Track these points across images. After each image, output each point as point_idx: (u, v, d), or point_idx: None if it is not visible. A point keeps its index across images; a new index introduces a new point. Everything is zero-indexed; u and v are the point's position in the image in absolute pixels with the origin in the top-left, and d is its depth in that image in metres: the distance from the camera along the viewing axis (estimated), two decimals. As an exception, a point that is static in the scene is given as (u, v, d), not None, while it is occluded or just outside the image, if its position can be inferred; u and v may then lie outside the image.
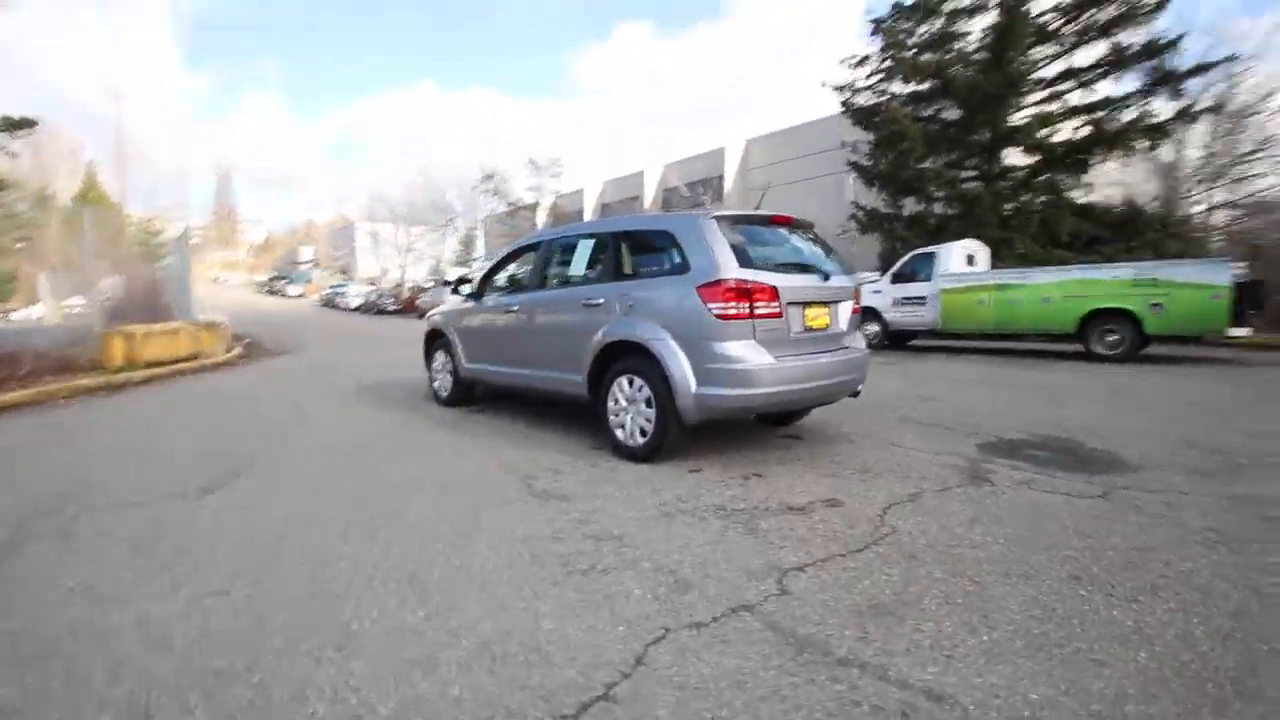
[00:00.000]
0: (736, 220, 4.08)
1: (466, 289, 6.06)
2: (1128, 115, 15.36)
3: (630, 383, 4.17)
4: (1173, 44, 15.54)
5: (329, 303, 38.65)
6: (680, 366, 3.86)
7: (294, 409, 6.40)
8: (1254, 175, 17.84)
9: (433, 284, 34.66)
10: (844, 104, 20.09)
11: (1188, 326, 9.25)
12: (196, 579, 2.59)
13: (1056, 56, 16.87)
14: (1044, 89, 17.06)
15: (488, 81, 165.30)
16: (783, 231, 4.33)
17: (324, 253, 70.36)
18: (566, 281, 4.98)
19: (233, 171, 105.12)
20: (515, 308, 5.20)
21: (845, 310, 4.39)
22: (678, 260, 4.03)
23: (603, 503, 3.40)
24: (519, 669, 1.93)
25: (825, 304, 4.20)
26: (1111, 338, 9.76)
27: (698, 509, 3.27)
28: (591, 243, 4.72)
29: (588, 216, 46.72)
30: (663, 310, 3.99)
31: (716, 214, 4.00)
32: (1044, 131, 16.44)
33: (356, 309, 34.86)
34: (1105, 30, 15.93)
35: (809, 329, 4.06)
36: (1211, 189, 18.22)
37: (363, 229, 51.98)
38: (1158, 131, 15.16)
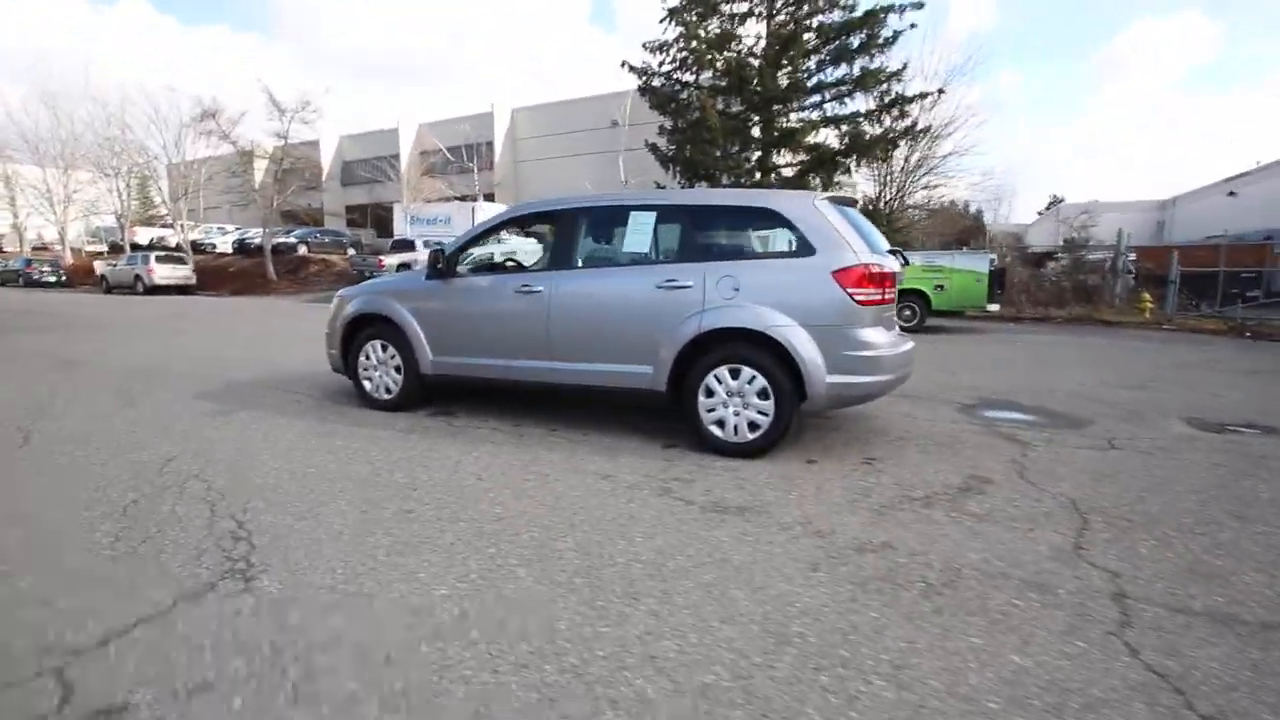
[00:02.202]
0: (834, 201, 3.92)
1: (415, 260, 4.79)
2: (876, 129, 18.66)
3: (734, 374, 3.77)
4: (897, 74, 19.33)
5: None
6: (813, 354, 3.61)
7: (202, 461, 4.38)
8: (937, 185, 23.31)
9: (104, 244, 26.58)
10: (641, 87, 20.64)
11: (960, 303, 11.77)
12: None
13: (818, 71, 19.67)
14: (809, 98, 19.80)
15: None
16: (853, 211, 4.30)
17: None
18: (613, 260, 4.26)
19: None
20: (534, 288, 4.27)
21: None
22: (794, 242, 3.73)
23: (802, 510, 3.04)
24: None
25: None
26: (906, 313, 11.91)
27: (897, 502, 3.13)
28: (652, 216, 4.09)
29: (325, 175, 40.64)
30: (786, 295, 3.66)
31: (826, 195, 3.81)
32: (812, 137, 19.17)
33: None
34: (854, 54, 19.03)
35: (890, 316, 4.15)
36: (913, 193, 23.28)
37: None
38: (893, 145, 18.75)
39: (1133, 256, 17.45)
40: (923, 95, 18.75)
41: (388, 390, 4.95)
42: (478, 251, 4.74)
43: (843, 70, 19.44)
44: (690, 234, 3.95)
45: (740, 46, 19.61)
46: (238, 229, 35.16)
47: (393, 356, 4.88)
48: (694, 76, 19.85)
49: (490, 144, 37.44)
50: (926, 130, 19.91)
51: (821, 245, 3.65)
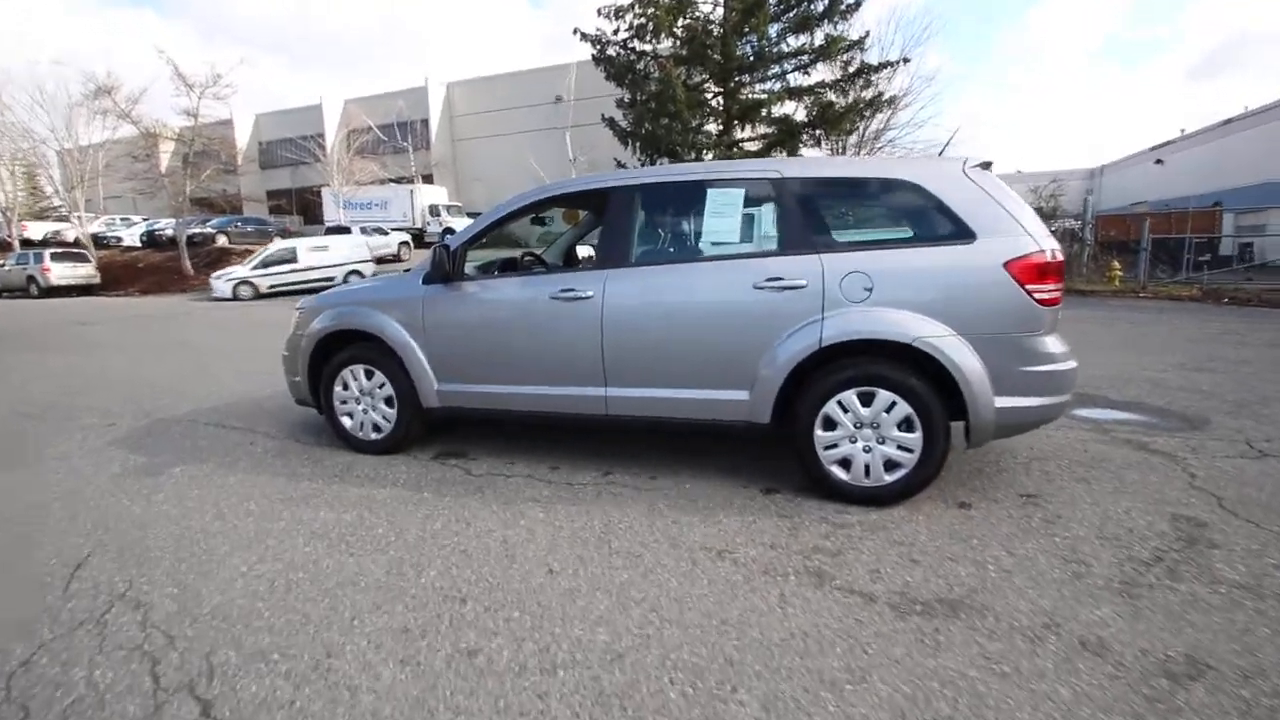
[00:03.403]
0: (985, 167, 3.04)
1: (407, 262, 3.66)
2: (842, 100, 18.01)
3: (866, 399, 2.88)
4: (859, 42, 18.73)
5: None
6: (977, 372, 2.75)
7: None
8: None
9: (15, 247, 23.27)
10: (596, 57, 19.30)
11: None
12: None
13: (779, 40, 18.82)
14: (772, 68, 18.96)
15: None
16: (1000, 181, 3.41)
17: None
18: (688, 253, 3.28)
19: None
20: (581, 293, 3.23)
21: None
22: (942, 223, 2.83)
23: (1027, 600, 2.18)
24: None
25: None
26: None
27: (1133, 575, 2.32)
28: (739, 194, 3.10)
29: (242, 157, 37.28)
30: (938, 295, 2.77)
31: (977, 161, 2.91)
32: (777, 108, 18.38)
33: None
34: (818, 21, 18.27)
35: None
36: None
37: None
38: (861, 116, 18.19)
39: (1092, 224, 17.60)
40: (887, 64, 18.21)
41: (376, 429, 3.82)
42: (482, 251, 3.64)
43: (804, 40, 18.68)
44: (797, 217, 2.98)
45: (699, 14, 18.52)
46: (145, 219, 31.71)
47: (382, 386, 3.74)
48: (652, 45, 18.66)
49: (425, 121, 35.17)
50: (892, 101, 19.45)
51: (984, 227, 2.77)
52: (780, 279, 2.92)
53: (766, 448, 3.71)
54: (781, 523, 2.82)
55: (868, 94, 18.06)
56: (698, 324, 3.07)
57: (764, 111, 18.44)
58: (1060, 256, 2.76)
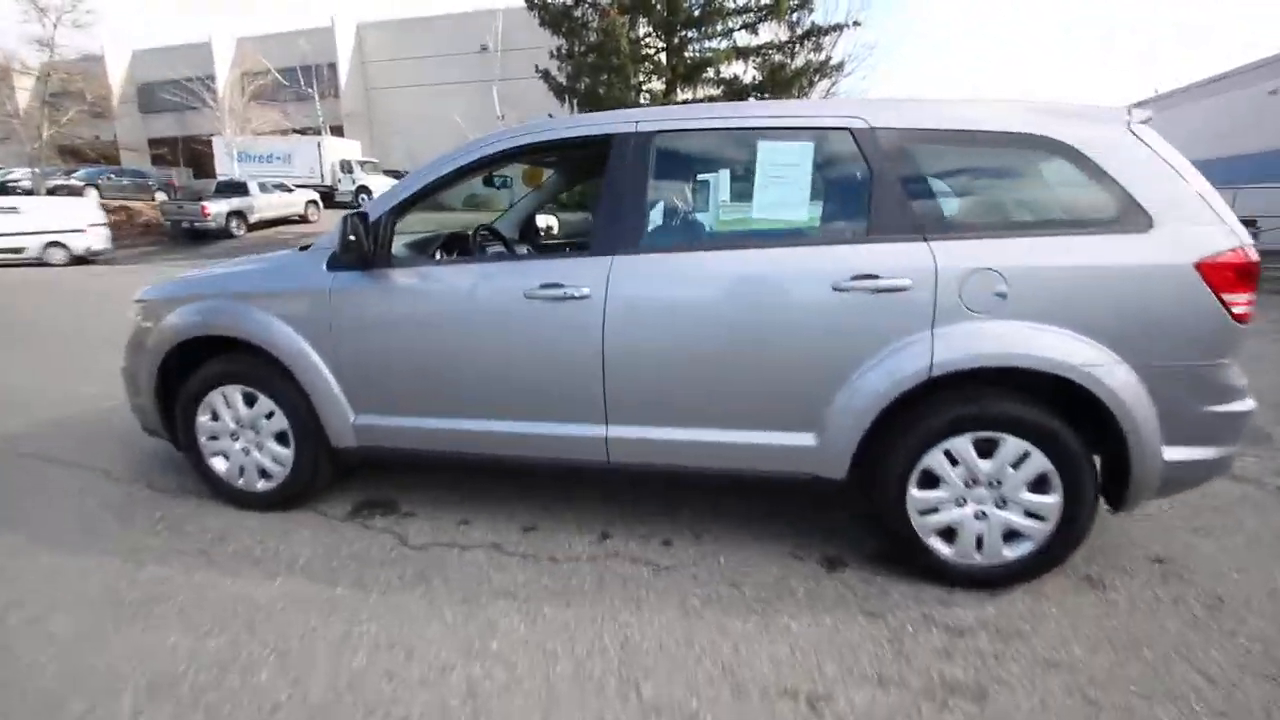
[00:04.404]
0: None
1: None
2: (792, 61, 17.18)
3: (985, 449, 2.04)
4: (805, 3, 17.88)
5: None
6: (1147, 414, 1.95)
7: None
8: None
9: None
10: (529, 2, 17.51)
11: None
12: None
13: (725, -4, 17.66)
14: (718, 24, 17.83)
15: None
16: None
17: None
18: (735, 233, 2.29)
19: None
20: (572, 289, 2.19)
21: None
22: (1104, 201, 1.97)
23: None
24: None
25: None
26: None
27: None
28: (807, 149, 2.13)
29: (117, 100, 32.65)
30: (1098, 304, 1.93)
31: (1143, 115, 2.06)
32: (726, 69, 17.35)
33: None
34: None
35: None
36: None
37: None
38: (811, 81, 17.45)
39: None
40: (838, 27, 17.49)
41: (265, 475, 2.67)
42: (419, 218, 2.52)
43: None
44: (894, 185, 2.05)
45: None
46: (-5, 168, 27.17)
47: (270, 416, 2.59)
48: (593, -8, 17.08)
49: (333, 66, 31.80)
50: (840, 67, 18.80)
51: (1163, 210, 1.94)
52: (873, 276, 2.00)
53: (796, 497, 2.84)
54: (874, 629, 1.97)
55: (818, 57, 17.33)
56: (745, 339, 2.12)
57: (711, 71, 17.37)
58: (1256, 254, 1.97)
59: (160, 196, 23.97)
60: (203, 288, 2.67)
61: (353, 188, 23.79)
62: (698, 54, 17.48)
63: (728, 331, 2.13)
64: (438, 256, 2.69)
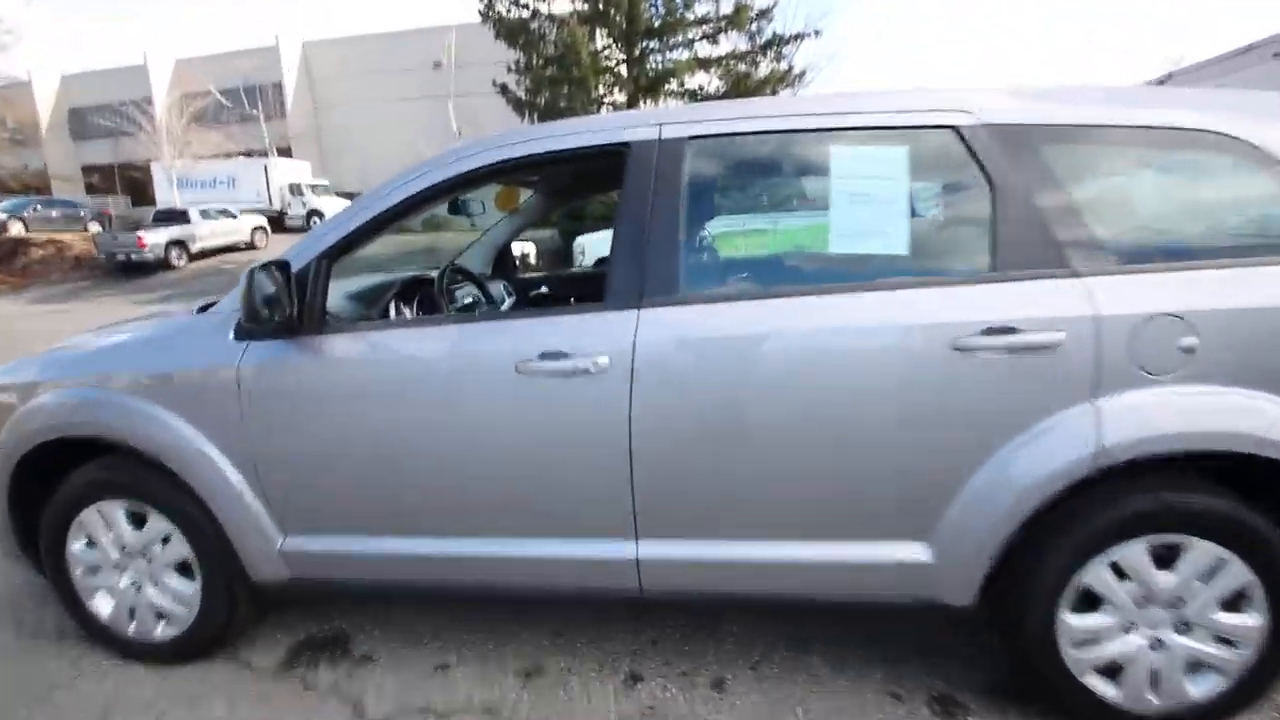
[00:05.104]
0: None
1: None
2: (755, 72, 16.94)
3: (1163, 558, 1.48)
4: (766, 12, 17.72)
5: None
6: (1389, 504, 1.43)
7: None
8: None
9: None
10: (483, 12, 16.91)
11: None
12: None
13: (686, 6, 17.38)
14: (678, 34, 17.51)
15: None
16: None
17: None
18: (812, 272, 1.71)
19: None
20: (582, 359, 1.56)
21: None
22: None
23: None
24: None
25: None
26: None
27: None
28: (898, 155, 1.55)
29: (45, 126, 30.84)
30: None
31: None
32: (690, 80, 17.02)
33: None
34: (726, -14, 16.99)
35: None
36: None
37: None
38: (776, 92, 17.23)
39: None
40: (799, 36, 17.34)
41: (162, 618, 1.95)
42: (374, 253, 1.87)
43: (710, 7, 17.41)
44: (1022, 202, 1.48)
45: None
46: (-96, 202, 25.12)
47: (167, 541, 1.88)
48: (548, 1, 16.59)
49: (279, 85, 30.57)
50: (802, 76, 18.67)
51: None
52: (1010, 329, 1.43)
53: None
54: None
55: (781, 66, 17.13)
56: (827, 419, 1.53)
57: (675, 83, 17.03)
58: None
59: (94, 228, 22.45)
60: (66, 370, 1.95)
61: (304, 211, 22.68)
62: (659, 65, 17.14)
63: (802, 409, 1.54)
64: (392, 312, 2.03)
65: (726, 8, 17.42)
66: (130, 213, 26.43)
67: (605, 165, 1.74)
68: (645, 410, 1.55)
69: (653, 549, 1.65)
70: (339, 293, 1.96)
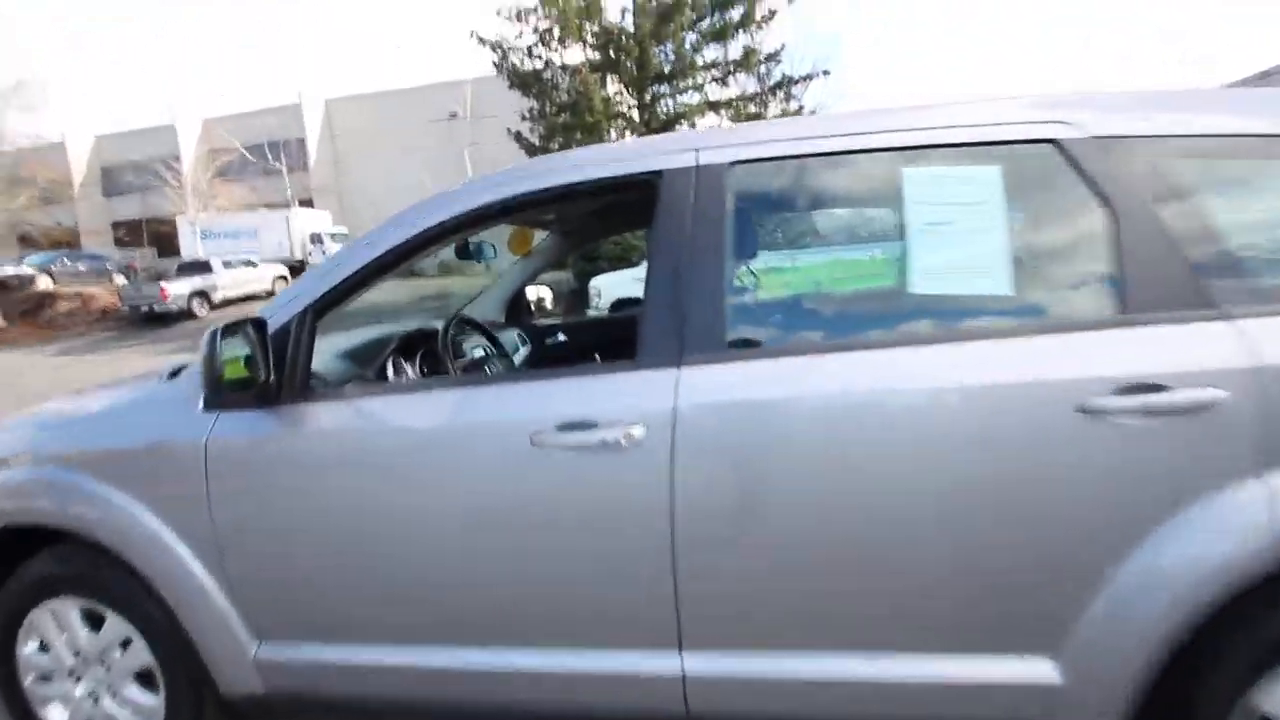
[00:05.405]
0: None
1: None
2: (766, 113, 17.06)
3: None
4: (775, 55, 17.97)
5: None
6: None
7: None
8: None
9: None
10: (497, 64, 17.31)
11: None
12: None
13: (694, 51, 17.68)
14: (689, 79, 17.77)
15: None
16: None
17: None
18: (889, 316, 1.44)
19: None
20: (612, 431, 1.29)
21: None
22: None
23: None
24: None
25: None
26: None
27: None
28: (991, 176, 1.29)
29: (78, 184, 31.95)
30: None
31: None
32: (701, 122, 17.17)
33: None
34: (736, 29, 17.30)
35: None
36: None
37: None
38: (787, 129, 17.37)
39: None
40: (807, 78, 17.52)
41: (122, 735, 1.66)
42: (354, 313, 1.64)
43: (720, 51, 17.72)
44: (1149, 229, 1.21)
45: (611, 21, 17.06)
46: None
47: (127, 645, 1.61)
48: (559, 51, 16.95)
49: (302, 141, 31.51)
50: (813, 114, 18.79)
51: None
52: (1153, 385, 1.14)
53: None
54: None
55: (791, 106, 17.25)
56: (918, 504, 1.23)
57: (685, 125, 17.18)
58: None
59: (120, 280, 22.91)
60: (13, 445, 1.71)
61: (323, 259, 22.99)
62: (670, 109, 17.34)
63: (886, 494, 1.24)
64: (389, 373, 1.78)
65: (735, 52, 17.73)
66: (156, 264, 27.00)
67: (631, 200, 1.50)
68: (691, 493, 1.27)
69: (702, 663, 1.33)
70: (329, 351, 1.72)
